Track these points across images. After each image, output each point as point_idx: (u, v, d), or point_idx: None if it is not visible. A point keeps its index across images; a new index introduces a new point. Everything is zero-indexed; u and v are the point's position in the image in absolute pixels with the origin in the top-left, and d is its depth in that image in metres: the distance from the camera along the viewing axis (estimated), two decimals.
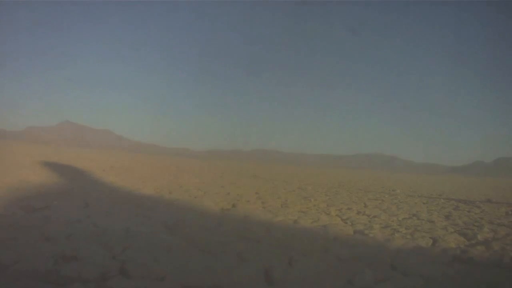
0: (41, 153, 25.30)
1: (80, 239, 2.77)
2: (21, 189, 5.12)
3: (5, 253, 2.21)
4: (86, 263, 2.20)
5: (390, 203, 7.23)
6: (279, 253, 2.71)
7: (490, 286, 2.21)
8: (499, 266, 2.59)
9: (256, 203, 5.92)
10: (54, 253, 2.03)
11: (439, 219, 5.12)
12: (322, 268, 2.40)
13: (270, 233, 3.47)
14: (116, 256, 2.41)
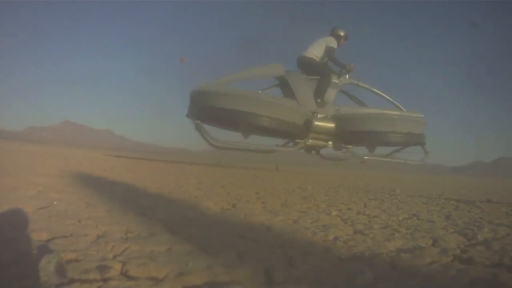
0: (41, 153, 25.34)
1: (81, 239, 2.77)
2: (20, 189, 5.12)
3: (5, 253, 2.21)
4: (86, 263, 2.21)
5: (390, 203, 7.22)
6: (279, 253, 2.72)
7: (490, 286, 2.21)
8: (499, 266, 2.59)
9: (256, 203, 5.92)
10: (54, 253, 2.03)
11: (439, 219, 5.12)
12: (322, 268, 2.40)
13: (270, 233, 3.48)
14: (116, 256, 2.41)
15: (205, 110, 4.40)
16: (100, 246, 2.61)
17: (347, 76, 5.13)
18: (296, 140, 4.87)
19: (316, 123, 4.78)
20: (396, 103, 5.34)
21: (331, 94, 5.05)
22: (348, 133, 4.93)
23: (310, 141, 4.91)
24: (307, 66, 5.10)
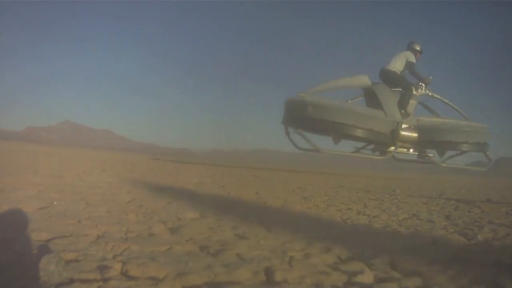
0: (41, 153, 25.33)
1: (81, 239, 2.77)
2: (20, 189, 5.12)
3: (5, 253, 2.22)
4: (86, 263, 2.21)
5: (390, 203, 7.23)
6: (279, 253, 2.72)
7: (490, 286, 2.21)
8: (499, 266, 2.59)
9: (256, 203, 5.92)
10: (54, 253, 2.03)
11: (439, 219, 5.12)
12: (322, 268, 2.40)
13: (270, 233, 3.48)
14: (116, 256, 2.41)
15: (303, 120, 4.90)
16: (100, 246, 2.61)
17: (423, 88, 5.65)
18: (387, 149, 5.46)
19: (402, 133, 5.30)
20: (464, 114, 5.92)
21: (412, 105, 5.60)
22: (429, 142, 5.51)
23: (397, 149, 5.52)
24: (389, 79, 5.66)
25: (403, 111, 5.45)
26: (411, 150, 5.61)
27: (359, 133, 4.88)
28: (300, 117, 4.91)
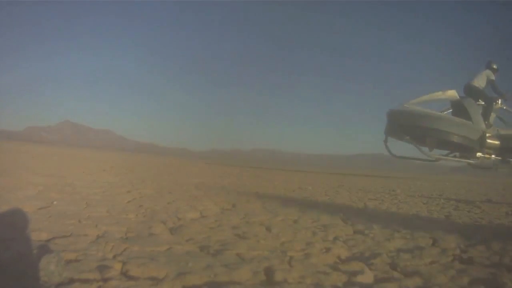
0: (41, 153, 25.33)
1: (81, 239, 2.77)
2: (20, 189, 5.12)
3: (5, 253, 2.21)
4: (86, 263, 2.21)
5: (390, 203, 7.23)
6: (279, 253, 2.72)
7: (490, 286, 2.21)
8: (499, 266, 2.59)
9: (256, 202, 5.92)
10: (54, 253, 2.03)
11: (439, 219, 5.12)
12: (322, 268, 2.40)
13: (270, 233, 3.48)
14: (116, 256, 2.41)
15: (409, 128, 5.50)
16: (100, 246, 2.61)
17: (499, 102, 6.33)
18: (475, 155, 6.13)
19: (488, 140, 5.95)
20: None
21: (492, 117, 6.29)
22: (509, 149, 6.20)
23: (485, 156, 6.16)
24: (473, 93, 6.45)
25: (486, 122, 6.04)
26: (493, 156, 6.20)
27: (456, 138, 5.51)
28: (406, 125, 5.46)
